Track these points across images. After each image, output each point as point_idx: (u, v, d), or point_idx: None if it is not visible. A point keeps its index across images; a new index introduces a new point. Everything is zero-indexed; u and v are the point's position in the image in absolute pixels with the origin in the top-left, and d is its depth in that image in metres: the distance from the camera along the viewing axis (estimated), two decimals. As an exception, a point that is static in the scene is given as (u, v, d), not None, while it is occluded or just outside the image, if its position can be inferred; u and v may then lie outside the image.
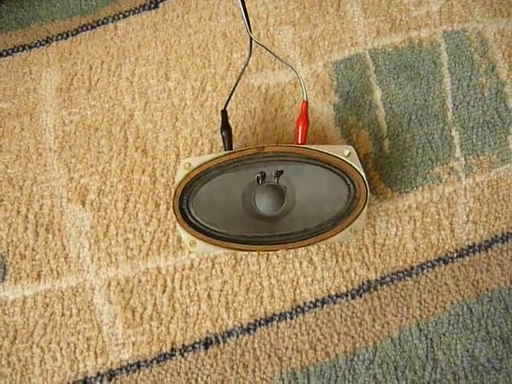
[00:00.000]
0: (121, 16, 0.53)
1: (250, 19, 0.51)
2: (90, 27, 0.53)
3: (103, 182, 0.49)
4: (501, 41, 0.52)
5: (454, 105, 0.51)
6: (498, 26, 0.52)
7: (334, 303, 0.48)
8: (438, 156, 0.50)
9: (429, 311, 0.48)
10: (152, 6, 0.53)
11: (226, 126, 0.46)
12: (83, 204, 0.49)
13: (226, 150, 0.45)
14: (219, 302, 0.48)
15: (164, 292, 0.48)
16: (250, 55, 0.45)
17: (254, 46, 0.46)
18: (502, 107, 0.51)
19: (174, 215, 0.44)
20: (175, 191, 0.43)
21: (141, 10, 0.53)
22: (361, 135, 0.50)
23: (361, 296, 0.48)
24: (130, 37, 0.52)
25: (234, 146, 0.46)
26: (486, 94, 0.51)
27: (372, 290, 0.48)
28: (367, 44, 0.52)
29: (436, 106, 0.51)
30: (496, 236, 0.49)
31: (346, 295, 0.48)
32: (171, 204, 0.48)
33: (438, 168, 0.50)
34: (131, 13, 0.53)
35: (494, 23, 0.53)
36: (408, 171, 0.50)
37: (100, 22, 0.53)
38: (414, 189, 0.50)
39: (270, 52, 0.46)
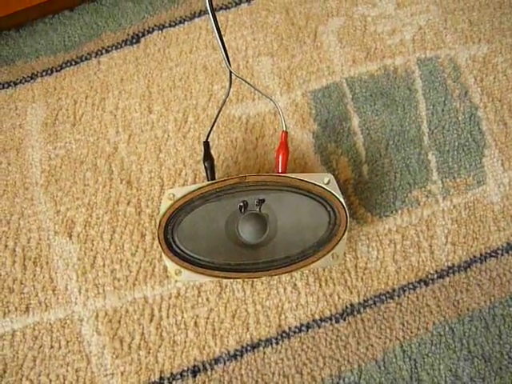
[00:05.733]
0: (103, 51, 0.54)
1: (230, 51, 0.53)
2: (73, 63, 0.54)
3: (89, 215, 0.50)
4: (472, 66, 0.54)
5: (430, 129, 0.52)
6: (469, 52, 0.54)
7: (319, 327, 0.49)
8: (415, 180, 0.51)
9: (411, 332, 0.49)
10: (134, 40, 0.54)
11: (208, 157, 0.47)
12: (70, 236, 0.50)
13: (208, 180, 0.46)
14: (206, 329, 0.48)
15: (151, 321, 0.48)
16: (230, 87, 0.46)
17: (233, 78, 0.47)
18: (476, 130, 0.53)
19: (159, 245, 0.45)
20: (160, 221, 0.44)
21: (123, 44, 0.54)
22: (340, 161, 0.52)
23: (345, 319, 0.49)
24: (112, 71, 0.54)
25: (216, 176, 0.47)
26: (460, 118, 0.53)
27: (355, 313, 0.49)
28: (344, 73, 0.54)
29: (412, 131, 0.52)
30: (474, 256, 0.50)
31: (330, 319, 0.49)
32: (156, 234, 0.49)
33: (416, 191, 0.51)
34: (114, 48, 0.54)
35: (465, 49, 0.54)
36: (387, 195, 0.51)
37: (83, 58, 0.54)
38: (394, 212, 0.51)
39: (249, 84, 0.47)
